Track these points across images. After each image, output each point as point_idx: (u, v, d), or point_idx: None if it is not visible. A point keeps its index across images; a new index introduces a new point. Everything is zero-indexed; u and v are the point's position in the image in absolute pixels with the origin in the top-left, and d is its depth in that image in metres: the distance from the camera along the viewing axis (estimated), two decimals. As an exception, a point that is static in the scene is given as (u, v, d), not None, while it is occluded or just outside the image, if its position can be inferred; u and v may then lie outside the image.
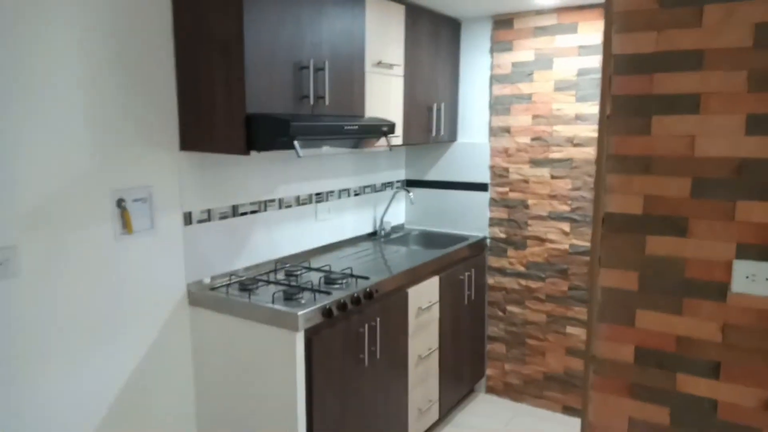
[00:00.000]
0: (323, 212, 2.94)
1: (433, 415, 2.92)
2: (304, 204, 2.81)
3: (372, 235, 3.33)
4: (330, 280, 2.37)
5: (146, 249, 2.12)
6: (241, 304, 2.14)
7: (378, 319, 2.39)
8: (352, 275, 2.45)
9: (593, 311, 1.77)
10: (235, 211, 2.45)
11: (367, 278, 2.42)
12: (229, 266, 2.45)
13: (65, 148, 1.85)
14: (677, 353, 1.65)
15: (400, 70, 2.80)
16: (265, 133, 1.98)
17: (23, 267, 1.76)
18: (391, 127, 2.47)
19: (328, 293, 2.21)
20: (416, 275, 2.67)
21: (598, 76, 2.91)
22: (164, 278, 2.19)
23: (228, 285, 2.33)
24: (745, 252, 1.53)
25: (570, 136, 3.02)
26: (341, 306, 2.18)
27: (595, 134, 2.95)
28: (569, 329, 3.14)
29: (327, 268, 2.58)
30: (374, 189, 3.33)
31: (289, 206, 2.73)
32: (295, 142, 1.98)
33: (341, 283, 2.34)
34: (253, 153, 2.40)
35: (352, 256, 2.86)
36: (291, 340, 2.02)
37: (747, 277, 1.53)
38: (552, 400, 3.24)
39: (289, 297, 2.17)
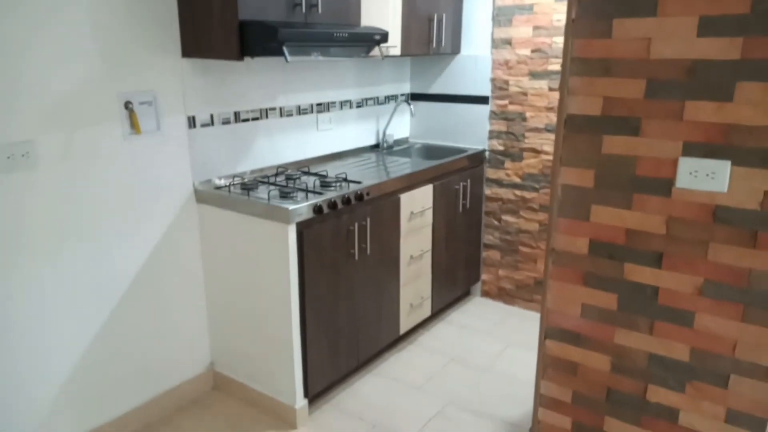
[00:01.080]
0: (324, 122, 3.08)
1: (426, 310, 3.16)
2: (305, 113, 2.96)
3: (374, 147, 3.48)
4: (325, 183, 2.55)
5: (154, 149, 2.32)
6: (241, 201, 2.35)
7: (368, 219, 2.58)
8: (345, 180, 2.62)
9: (554, 207, 1.92)
10: (237, 117, 2.62)
11: (359, 183, 2.59)
12: (233, 169, 2.65)
13: (74, 52, 2.02)
14: (626, 245, 1.80)
15: (398, -20, 2.84)
16: (256, 39, 2.11)
17: (40, 160, 1.99)
18: (384, 36, 2.56)
19: (321, 194, 2.40)
20: (409, 182, 2.83)
21: (599, -15, 2.89)
22: (172, 177, 2.41)
23: (231, 185, 2.54)
24: (690, 150, 1.63)
25: (568, 47, 3.04)
26: (331, 204, 2.37)
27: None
28: (560, 238, 3.29)
29: (324, 173, 2.76)
30: (377, 102, 3.44)
31: (290, 115, 2.88)
32: (284, 48, 2.10)
33: (335, 186, 2.53)
34: (251, 60, 2.54)
35: (352, 165, 3.03)
36: (283, 232, 2.23)
37: (690, 174, 1.64)
38: (540, 303, 3.44)
39: (285, 195, 2.36)
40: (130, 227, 2.30)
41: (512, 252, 3.50)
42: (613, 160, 1.77)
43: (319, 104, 3.03)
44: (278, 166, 2.85)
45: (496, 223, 3.53)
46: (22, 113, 1.92)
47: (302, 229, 2.28)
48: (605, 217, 1.82)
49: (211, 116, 2.51)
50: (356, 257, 2.57)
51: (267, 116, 2.76)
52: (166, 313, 2.48)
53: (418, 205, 2.92)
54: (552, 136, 3.20)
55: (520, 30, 3.18)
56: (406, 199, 2.82)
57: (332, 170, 2.87)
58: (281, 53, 2.12)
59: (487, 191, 3.51)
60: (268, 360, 2.46)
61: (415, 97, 3.67)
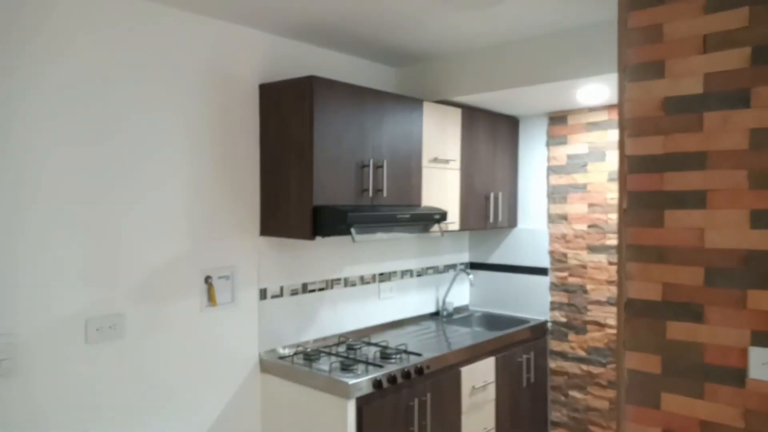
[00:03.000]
0: (386, 291, 3.20)
1: (490, 497, 2.95)
2: (367, 283, 3.09)
3: (434, 315, 3.53)
4: (385, 354, 2.59)
5: (226, 320, 2.47)
6: (303, 372, 2.40)
7: (429, 395, 2.55)
8: (406, 351, 2.65)
9: (621, 393, 1.86)
10: (304, 288, 2.77)
11: (419, 354, 2.61)
12: (297, 338, 2.74)
13: (167, 235, 2.27)
14: (702, 438, 1.69)
15: (456, 164, 3.10)
16: (327, 222, 2.31)
17: (127, 331, 2.15)
18: (443, 215, 2.74)
19: (381, 366, 2.43)
20: (471, 354, 2.82)
21: (650, 166, 3.04)
22: (240, 346, 2.52)
23: (294, 355, 2.61)
24: (759, 339, 1.60)
25: (625, 223, 3.12)
26: (391, 379, 2.38)
27: (650, 222, 3.03)
28: (632, 418, 3.09)
29: (384, 343, 2.81)
30: (437, 270, 3.55)
31: (354, 285, 3.02)
32: (352, 229, 2.29)
33: (395, 358, 2.55)
34: (318, 238, 2.75)
35: (412, 334, 3.07)
36: (343, 406, 2.24)
37: (763, 364, 1.59)
38: (618, 493, 3.14)
39: (346, 368, 2.40)
40: (198, 397, 2.37)
41: (582, 431, 3.29)
42: (679, 346, 1.74)
43: (381, 274, 3.17)
44: (340, 335, 2.92)
45: (563, 398, 3.37)
46: (116, 287, 2.13)
47: (362, 405, 2.27)
48: (677, 406, 1.75)
49: (281, 288, 2.67)
50: (416, 435, 2.50)
51: (332, 287, 2.90)
52: (221, 487, 2.44)
53: (479, 379, 2.87)
54: (615, 309, 3.16)
55: (575, 207, 3.32)
56: (467, 372, 2.79)
57: (392, 339, 2.91)
58: (349, 233, 2.30)
59: (552, 364, 3.42)
60: None
61: (473, 266, 3.77)
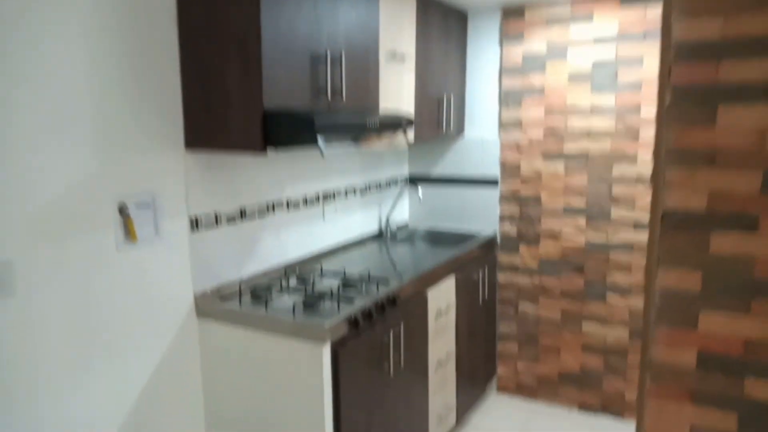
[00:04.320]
0: (331, 212, 2.77)
1: (451, 421, 2.79)
2: (311, 204, 2.64)
3: (378, 236, 3.18)
4: (348, 284, 2.21)
5: (151, 258, 1.92)
6: (257, 316, 1.97)
7: (401, 325, 2.24)
8: (370, 279, 2.29)
9: (650, 315, 1.66)
10: (243, 215, 2.26)
11: (386, 282, 2.27)
12: (238, 274, 2.26)
13: (61, 151, 1.64)
14: (744, 357, 1.55)
15: (411, 64, 2.65)
16: (286, 130, 1.81)
17: (18, 285, 1.56)
18: (411, 122, 2.32)
19: (350, 300, 2.05)
20: (434, 276, 2.53)
21: (615, 67, 2.81)
22: (170, 289, 2.00)
23: (239, 294, 2.15)
24: (821, 249, 1.43)
25: (585, 128, 2.92)
26: (367, 314, 2.03)
27: (612, 126, 2.85)
28: (585, 326, 3.05)
29: (341, 271, 2.42)
30: (380, 187, 3.17)
31: (297, 207, 2.55)
32: (319, 138, 1.81)
33: (359, 288, 2.19)
34: (271, 151, 2.24)
35: (361, 258, 2.70)
36: (317, 353, 1.86)
37: (823, 276, 1.43)
38: (567, 398, 3.15)
39: (310, 306, 2.00)
40: (120, 357, 1.85)
41: (532, 343, 3.21)
42: (724, 261, 1.54)
43: (325, 193, 2.72)
44: (286, 266, 2.48)
45: (512, 312, 3.25)
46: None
47: (337, 348, 1.91)
48: (717, 326, 1.58)
49: (216, 216, 2.15)
50: (391, 373, 2.20)
51: (274, 211, 2.42)
52: (162, 459, 2.00)
53: (443, 302, 2.61)
54: (572, 220, 3.02)
55: (531, 111, 3.05)
56: (432, 296, 2.51)
57: (340, 265, 2.53)
58: (314, 144, 1.82)
59: (501, 278, 3.26)
60: None
61: (415, 180, 3.44)
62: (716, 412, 1.61)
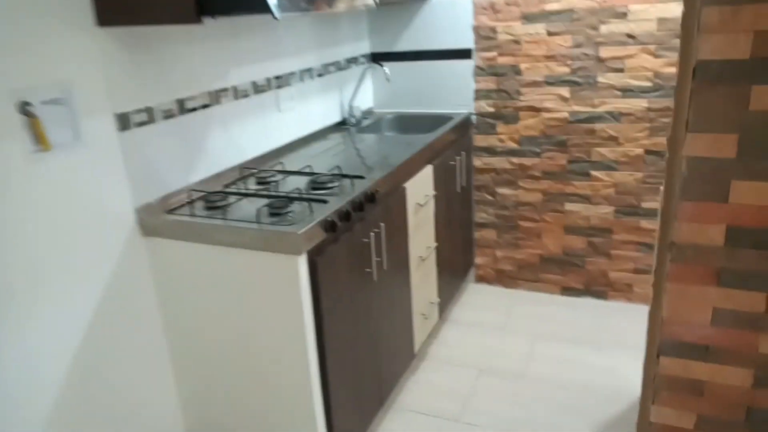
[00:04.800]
0: (286, 100, 2.39)
1: (434, 317, 2.64)
2: (262, 91, 2.25)
3: (341, 124, 2.84)
4: (317, 184, 1.91)
5: (73, 168, 1.56)
6: (215, 227, 1.66)
7: (382, 225, 1.99)
8: (342, 175, 1.99)
9: (674, 188, 1.44)
10: (182, 108, 1.88)
11: (362, 177, 1.97)
12: (186, 180, 1.92)
13: None
14: (782, 229, 1.36)
15: None
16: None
17: None
18: (374, -21, 1.92)
19: (324, 201, 1.76)
20: (411, 168, 2.24)
21: None
22: (103, 204, 1.65)
23: (190, 204, 1.83)
24: None
25: (569, -18, 2.56)
26: (344, 215, 1.75)
27: (598, -22, 2.49)
28: (568, 206, 2.88)
29: (307, 169, 2.11)
30: (338, 67, 2.77)
31: (246, 95, 2.17)
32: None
33: (332, 187, 1.89)
34: (195, 28, 1.82)
35: (326, 152, 2.38)
36: (292, 265, 1.59)
37: None
38: (549, 283, 3.05)
39: (277, 212, 1.70)
40: (59, 287, 1.54)
41: (511, 229, 3.04)
42: (764, 119, 1.30)
43: (278, 77, 2.33)
44: (241, 167, 2.14)
45: (489, 198, 3.04)
46: None
47: (314, 257, 1.64)
48: (752, 196, 1.37)
49: (149, 110, 1.76)
50: (375, 277, 1.97)
51: (219, 101, 2.03)
52: (121, 394, 1.76)
53: (421, 195, 2.35)
54: (555, 90, 2.72)
55: (506, -35, 2.64)
56: (411, 188, 2.24)
57: (304, 161, 2.22)
58: (264, 8, 1.42)
59: (477, 162, 3.00)
60: (272, 425, 1.83)
61: (377, 57, 3.04)
62: (742, 293, 1.45)
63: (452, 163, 2.66)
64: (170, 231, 1.73)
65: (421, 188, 2.33)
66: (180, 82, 1.85)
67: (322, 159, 2.26)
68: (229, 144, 2.09)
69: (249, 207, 1.77)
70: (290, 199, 1.77)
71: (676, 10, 2.42)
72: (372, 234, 1.91)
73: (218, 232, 1.65)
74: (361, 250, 1.87)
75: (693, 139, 1.38)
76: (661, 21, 2.46)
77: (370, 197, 1.88)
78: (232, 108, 2.09)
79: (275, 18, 1.43)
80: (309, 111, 2.56)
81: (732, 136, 1.34)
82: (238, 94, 2.12)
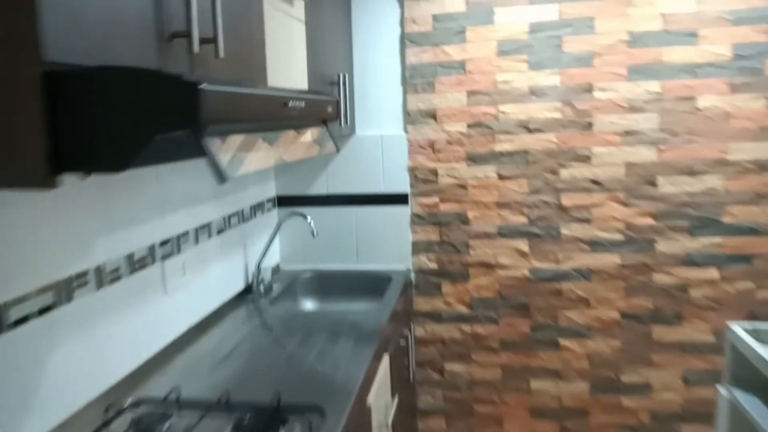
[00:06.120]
0: (176, 275, 1.59)
1: None
2: (142, 268, 1.44)
3: (245, 292, 2.05)
4: (240, 427, 1.11)
5: None
6: None
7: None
8: (279, 409, 1.21)
9: None
10: (3, 319, 1.01)
11: (320, 409, 1.22)
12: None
13: None
14: None
15: (300, 11, 1.61)
16: (116, 123, 0.67)
17: None
18: (336, 106, 1.30)
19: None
20: (371, 373, 1.53)
21: (558, 32, 2.11)
22: None
23: None
24: None
25: (523, 118, 2.17)
26: None
27: (558, 113, 2.14)
28: (534, 384, 2.31)
29: (212, 401, 1.28)
30: (242, 218, 2.04)
31: (117, 278, 1.34)
32: (216, 143, 0.70)
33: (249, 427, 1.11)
34: (68, 180, 1.03)
35: (235, 352, 1.57)
36: None
37: None
38: (512, 480, 2.39)
39: None
40: None
41: (465, 416, 2.37)
42: None
43: (164, 243, 1.53)
44: (107, 402, 1.26)
45: (436, 376, 2.38)
46: None
47: None
48: None
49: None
50: None
51: (72, 295, 1.19)
52: None
53: (383, 410, 1.62)
54: (510, 243, 2.24)
55: (448, 97, 2.20)
56: (374, 404, 1.51)
57: (207, 371, 1.40)
58: (199, 154, 0.71)
59: (420, 331, 2.36)
60: None
61: (284, 201, 2.36)
62: None
63: (403, 344, 1.99)
64: None
65: (382, 398, 1.61)
66: (6, 275, 1.01)
67: (224, 369, 1.45)
68: (85, 364, 1.22)
69: None
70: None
71: (644, 154, 2.13)
72: None
73: None
74: None
75: None
76: (629, 165, 2.15)
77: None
78: (93, 303, 1.25)
79: (225, 179, 0.73)
80: (205, 284, 1.77)
81: None
82: (105, 278, 1.29)
